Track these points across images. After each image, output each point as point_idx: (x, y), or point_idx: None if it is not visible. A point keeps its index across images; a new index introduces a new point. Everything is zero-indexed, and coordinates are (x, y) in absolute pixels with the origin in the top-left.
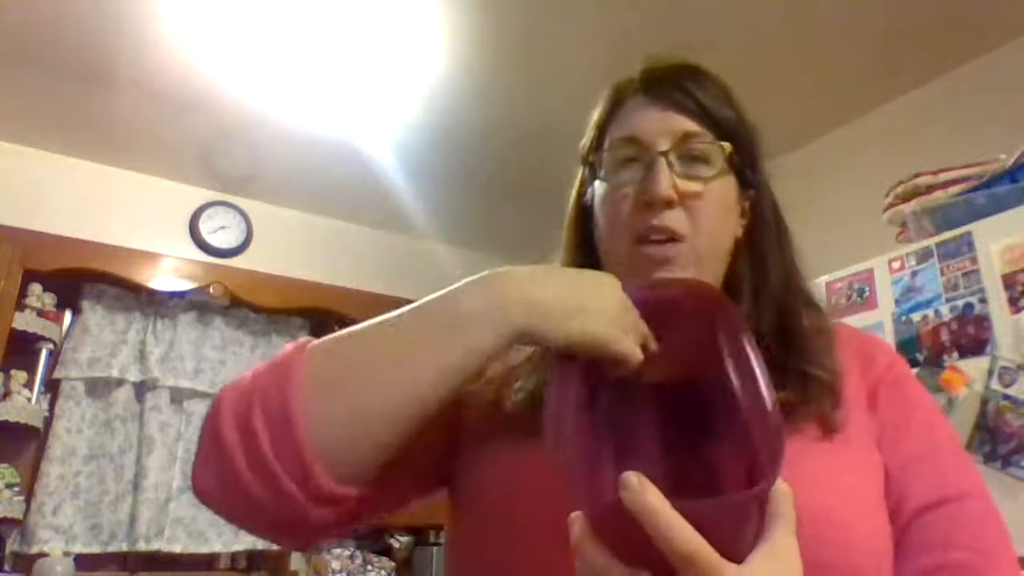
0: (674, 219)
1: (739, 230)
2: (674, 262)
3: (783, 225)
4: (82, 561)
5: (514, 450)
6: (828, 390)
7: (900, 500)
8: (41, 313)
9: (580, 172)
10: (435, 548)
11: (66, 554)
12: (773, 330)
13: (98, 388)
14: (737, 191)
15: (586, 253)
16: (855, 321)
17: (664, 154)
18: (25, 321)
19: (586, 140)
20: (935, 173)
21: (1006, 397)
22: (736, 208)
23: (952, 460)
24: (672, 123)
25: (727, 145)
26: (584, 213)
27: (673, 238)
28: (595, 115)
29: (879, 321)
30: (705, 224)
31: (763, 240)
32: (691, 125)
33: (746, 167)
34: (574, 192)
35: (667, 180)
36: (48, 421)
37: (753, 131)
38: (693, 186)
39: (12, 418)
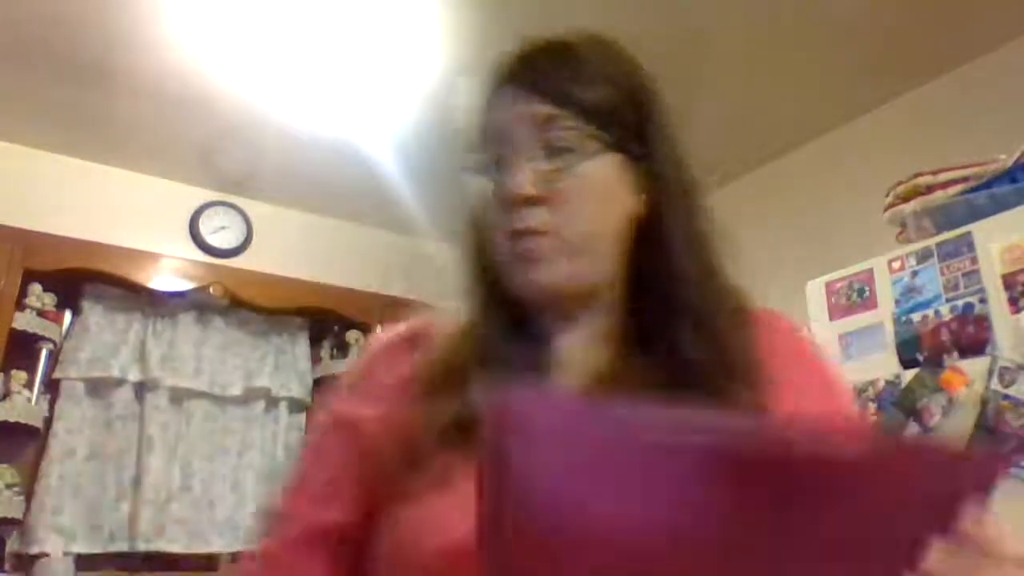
0: (536, 217)
1: (637, 208)
2: (541, 257)
3: (692, 201)
4: (82, 561)
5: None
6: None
7: None
8: (41, 313)
9: None
10: None
11: (66, 554)
12: (689, 338)
13: (98, 388)
14: (622, 169)
15: (484, 255)
16: (855, 321)
17: (521, 146)
18: (25, 321)
19: (469, 133)
20: (935, 173)
21: (1006, 397)
22: (621, 188)
23: None
24: (528, 110)
25: (590, 127)
26: (477, 208)
27: (537, 233)
28: (477, 105)
29: (879, 321)
30: (574, 215)
31: (667, 221)
32: (550, 109)
33: (630, 140)
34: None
35: (523, 177)
36: (48, 421)
37: (644, 97)
38: (554, 179)
39: (12, 418)
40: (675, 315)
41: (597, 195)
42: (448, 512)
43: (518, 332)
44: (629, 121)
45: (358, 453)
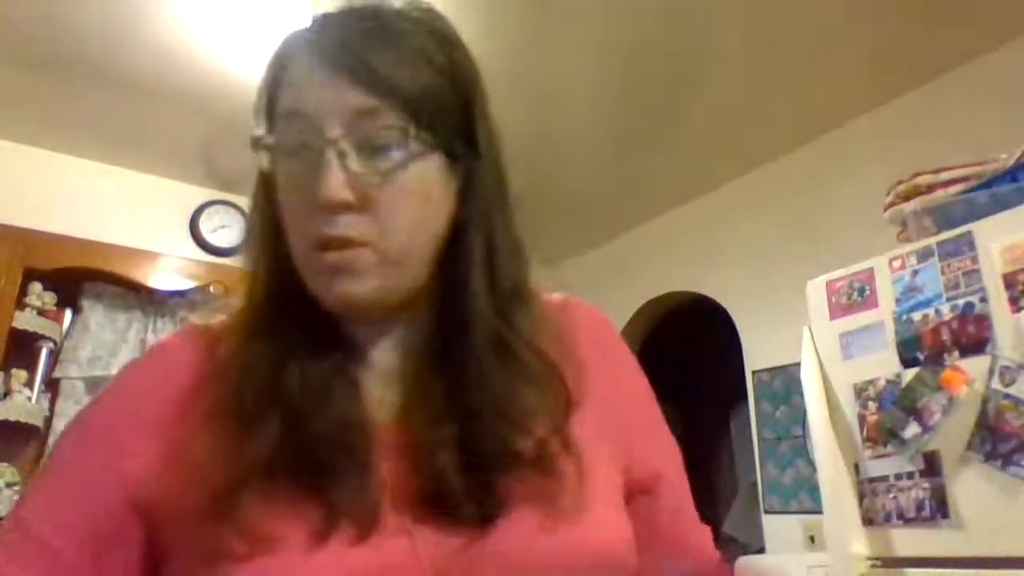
0: (352, 225)
1: (454, 211)
2: (356, 271)
3: (506, 206)
4: None
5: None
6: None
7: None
8: (41, 312)
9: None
10: None
11: None
12: (484, 352)
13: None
14: (443, 171)
15: (278, 246)
16: (855, 321)
17: (334, 143)
18: (25, 320)
19: (255, 106)
20: (935, 172)
21: (1007, 396)
22: (442, 192)
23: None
24: (343, 99)
25: (414, 124)
26: (270, 195)
27: (353, 244)
28: (262, 75)
29: (879, 320)
30: (394, 224)
31: (477, 227)
32: (367, 101)
33: (455, 139)
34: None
35: (337, 180)
36: (48, 420)
37: (470, 89)
38: (372, 183)
39: (12, 417)
40: (470, 326)
41: (419, 201)
42: (276, 573)
43: (322, 338)
44: (455, 117)
45: (128, 502)
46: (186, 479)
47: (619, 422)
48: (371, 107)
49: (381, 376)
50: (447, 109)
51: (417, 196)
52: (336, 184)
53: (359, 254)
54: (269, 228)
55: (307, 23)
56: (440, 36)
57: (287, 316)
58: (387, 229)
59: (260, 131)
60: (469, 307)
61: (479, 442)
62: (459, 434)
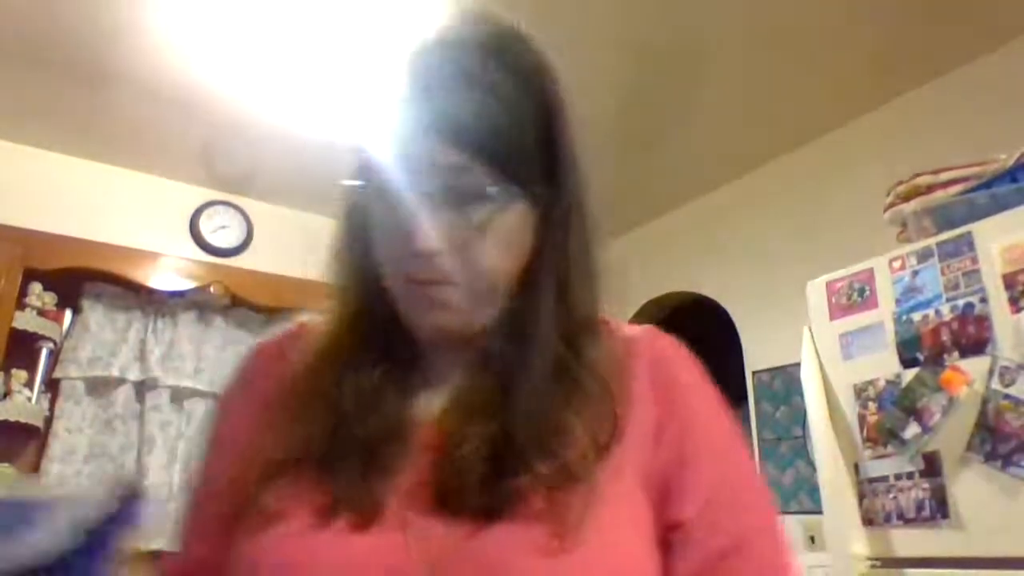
0: (442, 267)
1: (534, 246)
2: (448, 306)
3: (576, 234)
4: None
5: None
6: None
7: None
8: (41, 312)
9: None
10: None
11: None
12: (544, 377)
13: (98, 387)
14: (526, 211)
15: (366, 267)
16: (855, 321)
17: (427, 197)
18: (25, 320)
19: (353, 144)
20: (935, 173)
21: (1006, 397)
22: (526, 233)
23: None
24: (436, 156)
25: (503, 177)
26: (359, 219)
27: (444, 282)
28: (365, 113)
29: (879, 321)
30: (481, 266)
31: (543, 260)
32: (458, 159)
33: (538, 181)
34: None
35: (429, 231)
36: (48, 420)
37: (558, 134)
38: (462, 233)
39: (12, 417)
40: (532, 350)
41: (504, 246)
42: (276, 545)
43: (390, 348)
44: (541, 166)
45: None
46: (245, 467)
47: (661, 454)
48: (461, 165)
49: (438, 383)
50: (532, 156)
51: (503, 241)
52: (428, 236)
53: (451, 291)
54: (358, 249)
55: (401, 63)
56: (527, 73)
57: (366, 329)
58: (475, 271)
59: (356, 167)
60: (535, 333)
61: (505, 456)
62: (490, 434)
